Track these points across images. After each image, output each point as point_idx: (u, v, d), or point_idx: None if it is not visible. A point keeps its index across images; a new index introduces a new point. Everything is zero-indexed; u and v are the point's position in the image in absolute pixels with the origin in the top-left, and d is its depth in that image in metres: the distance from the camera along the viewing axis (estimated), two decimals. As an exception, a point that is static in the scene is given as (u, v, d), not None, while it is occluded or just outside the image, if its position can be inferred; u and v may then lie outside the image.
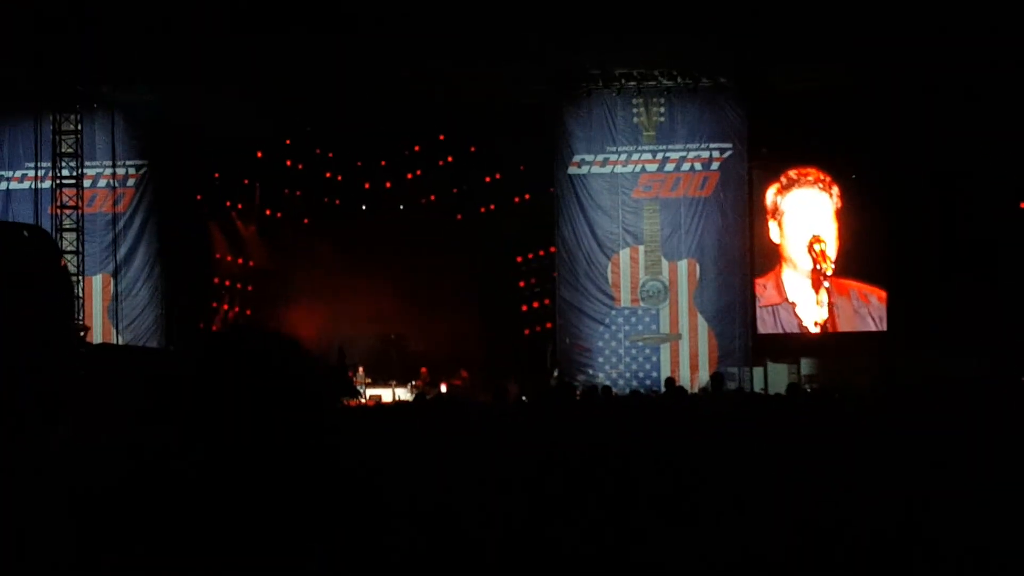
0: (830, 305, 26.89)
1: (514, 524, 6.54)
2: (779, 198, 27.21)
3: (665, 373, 25.68)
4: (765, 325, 27.09)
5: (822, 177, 27.19)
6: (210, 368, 2.17)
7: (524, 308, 30.08)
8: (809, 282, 26.96)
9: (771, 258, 27.25)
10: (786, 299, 27.05)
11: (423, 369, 27.97)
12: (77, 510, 2.51)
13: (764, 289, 27.09)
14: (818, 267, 26.89)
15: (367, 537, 2.11)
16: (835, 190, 27.09)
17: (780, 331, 27.11)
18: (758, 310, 27.00)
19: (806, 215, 27.13)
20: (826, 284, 26.88)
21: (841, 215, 27.02)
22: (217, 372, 2.16)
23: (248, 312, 30.76)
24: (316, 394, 2.21)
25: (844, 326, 27.02)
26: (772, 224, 27.21)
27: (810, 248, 26.93)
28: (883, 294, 26.73)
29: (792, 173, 27.24)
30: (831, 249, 26.96)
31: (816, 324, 27.06)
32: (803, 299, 27.02)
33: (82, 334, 23.33)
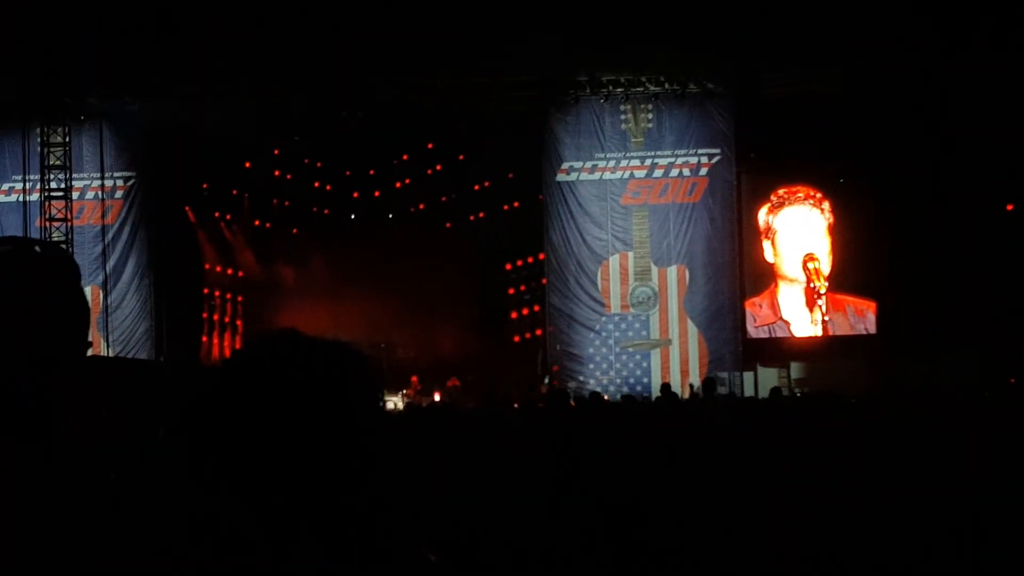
0: (824, 323, 26.94)
1: (510, 534, 6.56)
2: (771, 217, 27.26)
3: (656, 379, 25.70)
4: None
5: (812, 193, 27.25)
6: (258, 375, 2.18)
7: (514, 315, 30.13)
8: (804, 299, 27.02)
9: (765, 277, 27.30)
10: (781, 318, 27.10)
11: (414, 377, 27.96)
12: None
13: (759, 308, 27.14)
14: (812, 285, 26.92)
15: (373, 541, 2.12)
16: (826, 205, 27.16)
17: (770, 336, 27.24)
18: (753, 330, 27.05)
19: (799, 233, 27.19)
20: (820, 303, 26.91)
21: (834, 230, 27.08)
22: (266, 379, 2.16)
23: (238, 322, 30.75)
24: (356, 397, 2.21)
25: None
26: (766, 244, 27.28)
27: (804, 267, 26.97)
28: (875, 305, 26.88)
29: (782, 191, 27.31)
30: (825, 266, 27.01)
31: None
32: (798, 317, 27.08)
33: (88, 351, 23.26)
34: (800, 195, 27.33)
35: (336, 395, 2.12)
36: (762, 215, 27.32)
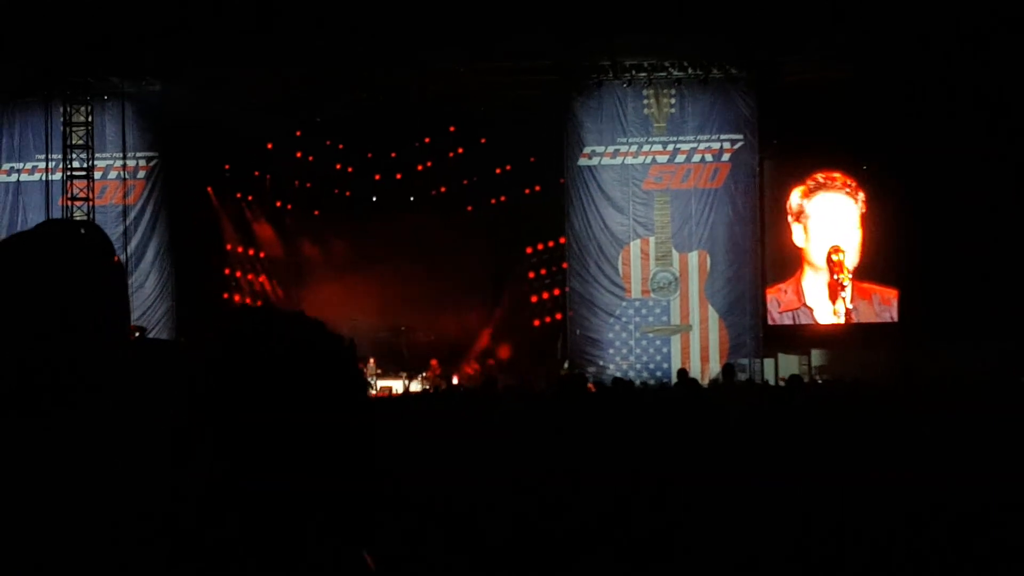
0: (847, 312, 26.80)
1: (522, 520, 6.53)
2: (805, 201, 27.12)
3: (676, 365, 25.66)
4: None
5: (848, 182, 27.11)
6: (240, 351, 2.15)
7: (534, 299, 30.05)
8: (827, 291, 26.91)
9: (792, 262, 27.16)
10: (804, 304, 27.00)
11: (433, 361, 27.94)
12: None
13: (784, 294, 27.02)
14: (835, 277, 26.80)
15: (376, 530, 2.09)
16: (861, 195, 27.00)
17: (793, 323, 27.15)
18: (777, 315, 26.96)
19: (831, 219, 27.03)
20: (843, 294, 26.78)
21: (866, 220, 26.94)
22: (248, 355, 2.14)
23: (259, 303, 30.76)
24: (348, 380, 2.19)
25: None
26: (796, 227, 27.14)
27: (828, 258, 26.85)
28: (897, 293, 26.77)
29: (819, 176, 27.16)
30: (853, 256, 26.87)
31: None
32: (821, 304, 26.97)
33: (137, 334, 23.28)
34: (837, 182, 27.18)
35: (310, 375, 2.10)
36: (795, 197, 27.19)
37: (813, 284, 27.04)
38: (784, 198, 27.23)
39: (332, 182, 30.12)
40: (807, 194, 27.21)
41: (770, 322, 26.93)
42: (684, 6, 23.63)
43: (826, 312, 26.96)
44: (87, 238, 2.94)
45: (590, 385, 20.24)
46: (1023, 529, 6.55)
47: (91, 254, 2.87)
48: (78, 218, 25.70)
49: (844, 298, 26.78)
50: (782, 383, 22.56)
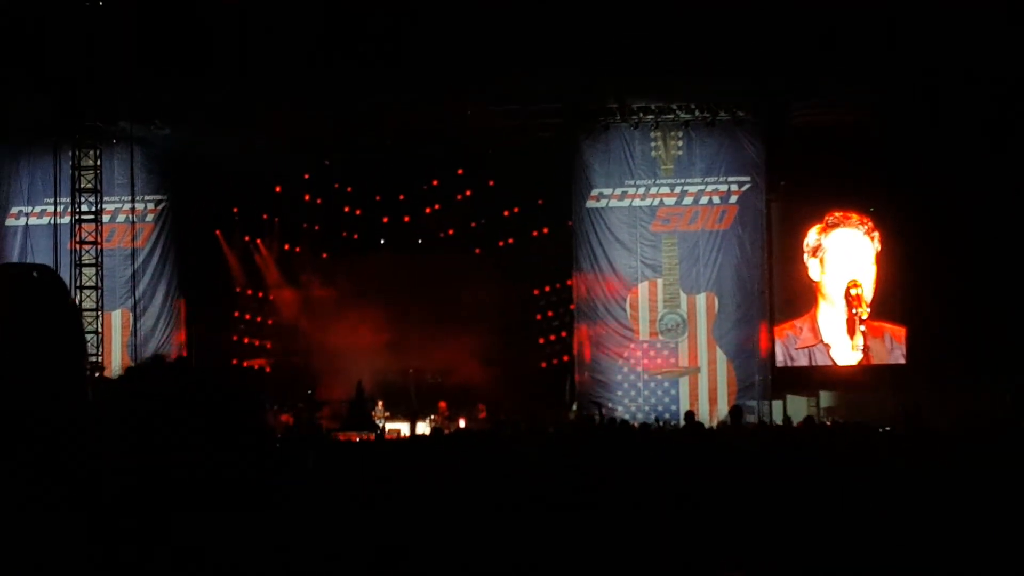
0: (865, 348, 26.72)
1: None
2: (823, 237, 27.08)
3: (684, 407, 25.59)
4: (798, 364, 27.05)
5: (865, 221, 27.08)
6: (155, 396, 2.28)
7: (542, 341, 30.00)
8: (846, 326, 26.82)
9: (807, 298, 27.08)
10: (821, 340, 26.90)
11: (442, 403, 27.89)
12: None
13: (800, 331, 26.94)
14: (854, 311, 26.73)
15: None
16: (877, 235, 26.94)
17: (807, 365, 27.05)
18: (794, 352, 26.85)
19: (848, 254, 26.97)
20: (862, 328, 26.69)
21: (881, 259, 26.88)
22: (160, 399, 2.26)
23: (268, 345, 30.78)
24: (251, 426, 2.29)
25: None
26: (813, 261, 27.05)
27: (847, 292, 26.79)
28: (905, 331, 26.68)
29: (837, 214, 27.13)
30: (869, 292, 26.80)
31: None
32: (838, 341, 26.86)
33: (97, 373, 23.29)
34: (854, 220, 27.15)
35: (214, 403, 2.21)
36: (812, 234, 27.11)
37: (829, 320, 26.93)
38: (799, 235, 27.13)
39: (340, 224, 30.15)
40: (825, 230, 27.18)
41: (785, 359, 26.81)
42: (691, 50, 23.67)
43: (843, 348, 26.82)
44: (39, 281, 3.01)
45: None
46: None
47: (43, 296, 2.94)
48: (72, 261, 25.84)
49: (863, 332, 26.67)
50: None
